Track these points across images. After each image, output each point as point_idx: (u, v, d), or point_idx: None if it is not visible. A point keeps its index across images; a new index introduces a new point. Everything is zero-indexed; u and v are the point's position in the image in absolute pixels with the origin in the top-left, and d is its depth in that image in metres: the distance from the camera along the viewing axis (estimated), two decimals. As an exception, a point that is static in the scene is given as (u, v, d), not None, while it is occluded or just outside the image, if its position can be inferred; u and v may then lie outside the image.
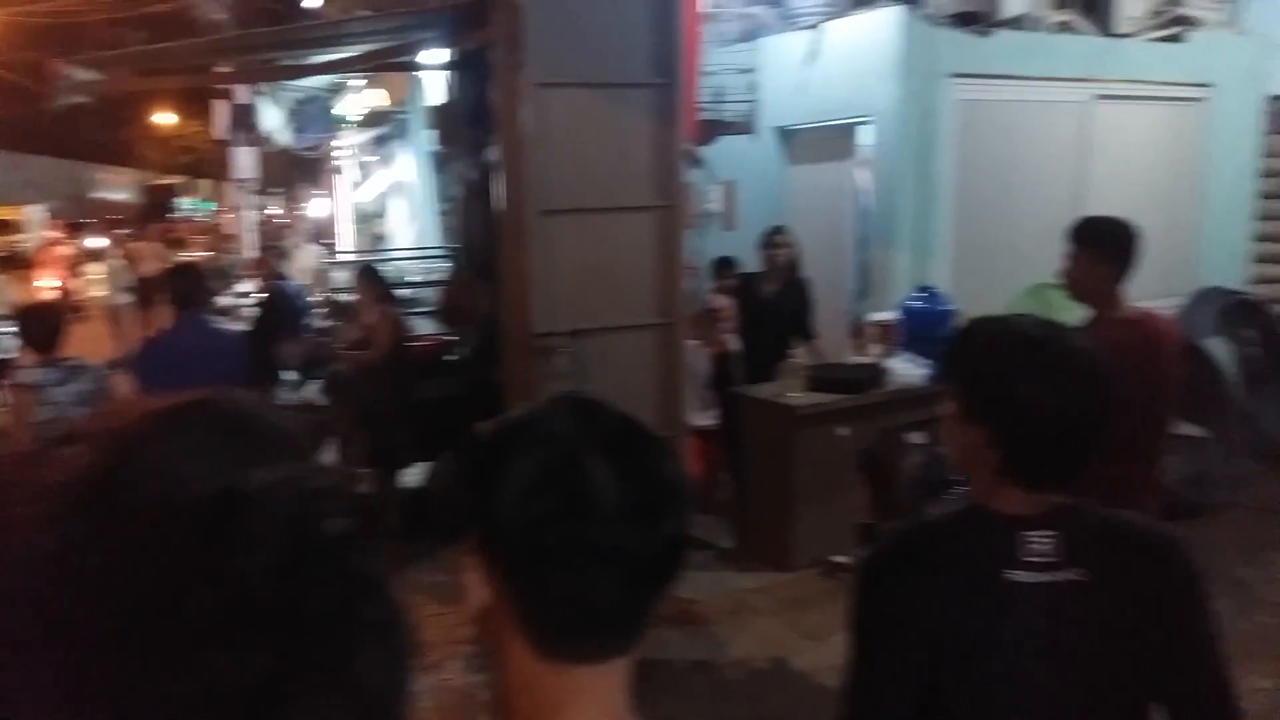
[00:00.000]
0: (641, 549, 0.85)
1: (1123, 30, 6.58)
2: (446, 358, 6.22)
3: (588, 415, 0.91)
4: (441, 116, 6.65)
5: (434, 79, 7.49)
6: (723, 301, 6.12)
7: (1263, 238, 7.99)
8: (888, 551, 1.49)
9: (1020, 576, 1.35)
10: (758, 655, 4.51)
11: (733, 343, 6.11)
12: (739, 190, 7.15)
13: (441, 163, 6.80)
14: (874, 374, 5.37)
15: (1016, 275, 6.31)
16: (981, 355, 1.43)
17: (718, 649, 4.61)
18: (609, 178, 4.69)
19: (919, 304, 5.62)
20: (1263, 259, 8.03)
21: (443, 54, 6.31)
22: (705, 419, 6.52)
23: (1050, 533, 1.36)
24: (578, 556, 0.83)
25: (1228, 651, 1.43)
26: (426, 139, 8.36)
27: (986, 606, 1.36)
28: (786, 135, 6.77)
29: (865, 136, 6.21)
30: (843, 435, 5.24)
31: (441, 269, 7.48)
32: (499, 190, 4.77)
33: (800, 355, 5.48)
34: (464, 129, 5.96)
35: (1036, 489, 1.39)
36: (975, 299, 5.99)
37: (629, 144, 4.72)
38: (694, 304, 7.18)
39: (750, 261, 6.17)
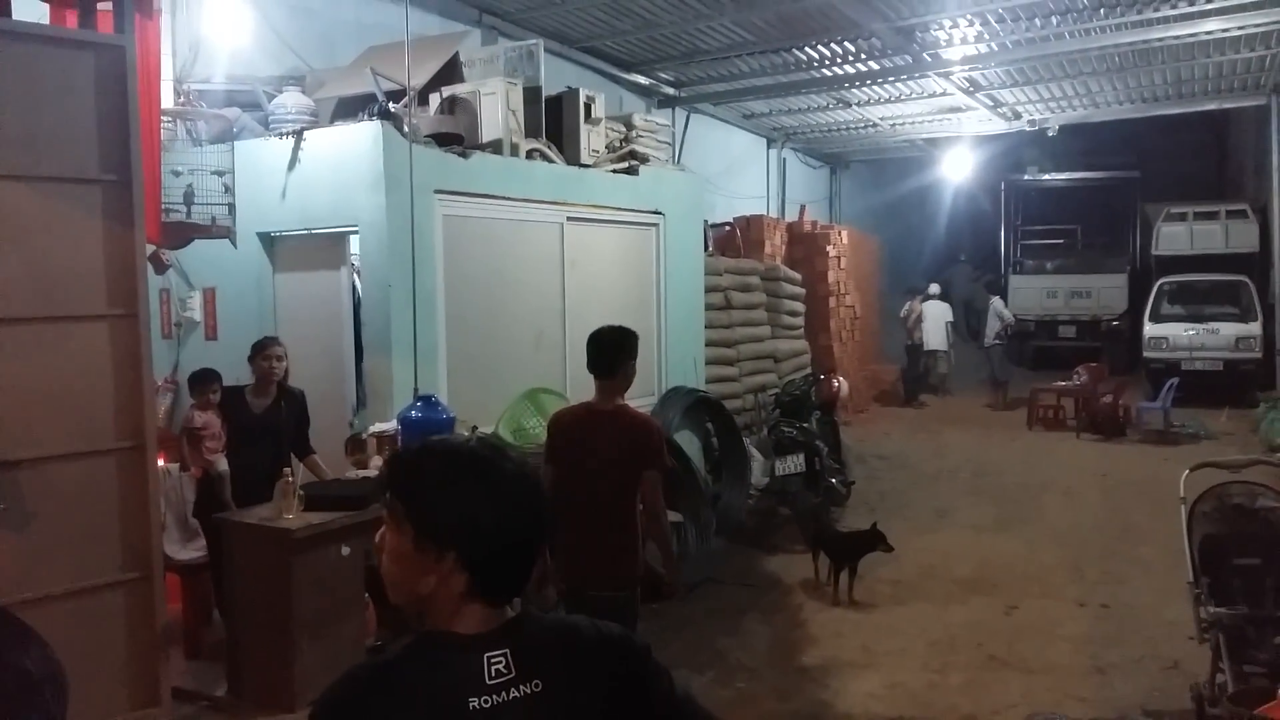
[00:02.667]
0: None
1: (585, 161, 7.33)
2: None
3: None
4: None
5: None
6: (205, 418, 5.58)
7: (710, 343, 9.27)
8: (336, 698, 1.36)
9: (484, 703, 1.32)
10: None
11: (220, 464, 5.58)
12: (223, 298, 6.68)
13: None
14: (376, 487, 5.19)
15: (510, 381, 6.60)
16: (437, 483, 1.40)
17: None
18: (53, 283, 4.07)
19: (418, 413, 5.58)
20: (711, 361, 9.30)
21: None
22: (189, 552, 5.85)
23: (504, 649, 1.36)
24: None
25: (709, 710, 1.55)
26: None
27: None
28: (272, 241, 6.48)
29: (356, 245, 6.15)
30: (345, 555, 4.98)
31: None
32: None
33: (295, 473, 5.14)
34: None
35: (494, 605, 1.40)
36: (473, 406, 6.14)
37: (78, 245, 4.15)
38: (172, 423, 6.50)
39: (238, 374, 5.73)
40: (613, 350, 3.98)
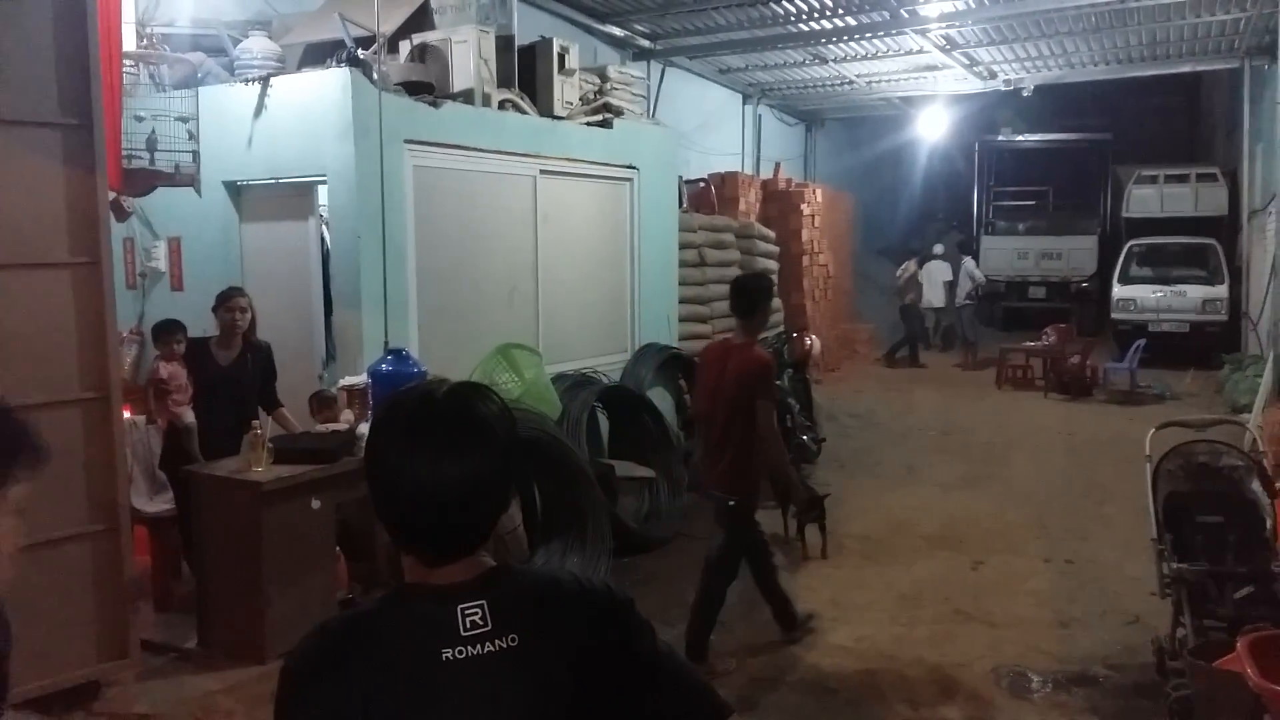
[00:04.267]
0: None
1: (559, 113, 7.23)
2: None
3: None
4: None
5: None
6: (170, 370, 5.50)
7: (683, 300, 9.24)
8: (308, 651, 1.34)
9: (459, 653, 1.30)
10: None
11: (187, 416, 5.51)
12: (188, 248, 6.55)
13: None
14: (346, 441, 5.15)
15: (482, 336, 6.55)
16: (373, 430, 1.40)
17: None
18: (11, 230, 3.97)
19: (389, 367, 5.52)
20: (685, 318, 9.28)
21: None
22: (157, 505, 5.79)
23: (479, 601, 1.33)
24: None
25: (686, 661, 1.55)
26: None
27: (421, 693, 1.29)
28: (238, 190, 6.35)
29: (325, 196, 6.04)
30: (316, 508, 4.95)
31: None
32: None
33: (264, 426, 5.08)
34: None
35: (441, 560, 1.36)
36: (444, 360, 6.08)
37: (38, 191, 4.04)
38: (138, 375, 6.41)
39: (205, 325, 5.63)
40: (755, 294, 4.74)
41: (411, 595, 1.37)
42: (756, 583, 5.07)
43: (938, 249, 16.30)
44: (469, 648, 1.30)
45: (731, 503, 4.71)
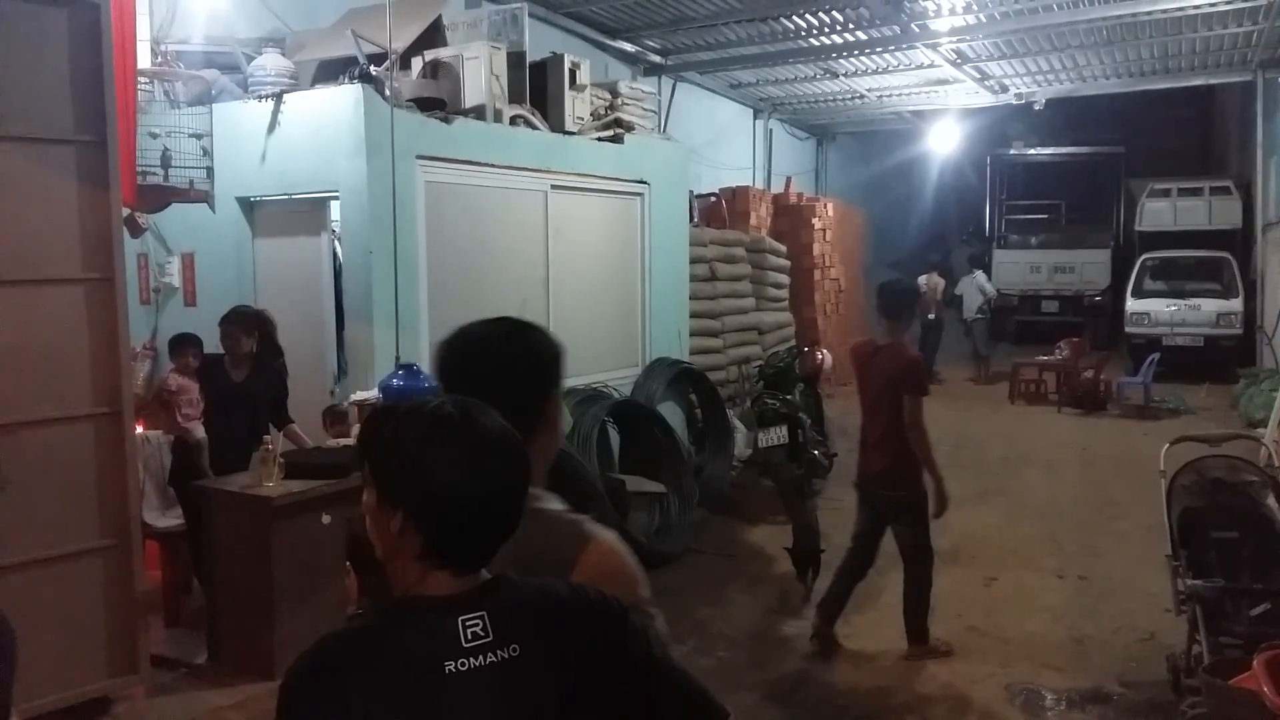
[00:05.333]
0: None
1: (570, 128, 7.25)
2: None
3: None
4: None
5: None
6: (180, 383, 5.52)
7: (694, 314, 9.24)
8: (308, 666, 1.32)
9: (461, 665, 1.30)
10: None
11: (197, 431, 5.53)
12: (202, 264, 6.60)
13: None
14: (355, 455, 5.15)
15: (492, 350, 6.55)
16: (394, 439, 1.37)
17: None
18: (25, 245, 4.00)
19: (400, 381, 5.53)
20: (696, 333, 9.27)
21: None
22: (168, 519, 5.81)
23: (480, 612, 1.33)
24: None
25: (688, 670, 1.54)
26: None
27: (424, 707, 1.29)
28: (251, 206, 6.39)
29: (337, 211, 6.07)
30: (326, 523, 4.95)
31: None
32: None
33: (276, 442, 5.10)
34: None
35: (462, 571, 1.37)
36: (455, 374, 6.09)
37: (52, 207, 4.08)
38: (150, 390, 6.44)
39: (218, 341, 5.66)
40: (901, 296, 5.25)
41: (412, 608, 1.36)
42: (841, 570, 5.26)
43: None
44: (471, 659, 1.30)
45: (900, 495, 5.00)
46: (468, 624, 1.31)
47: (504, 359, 1.72)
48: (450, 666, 1.29)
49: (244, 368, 5.50)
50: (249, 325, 5.49)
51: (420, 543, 1.34)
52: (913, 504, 5.00)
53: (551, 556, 1.57)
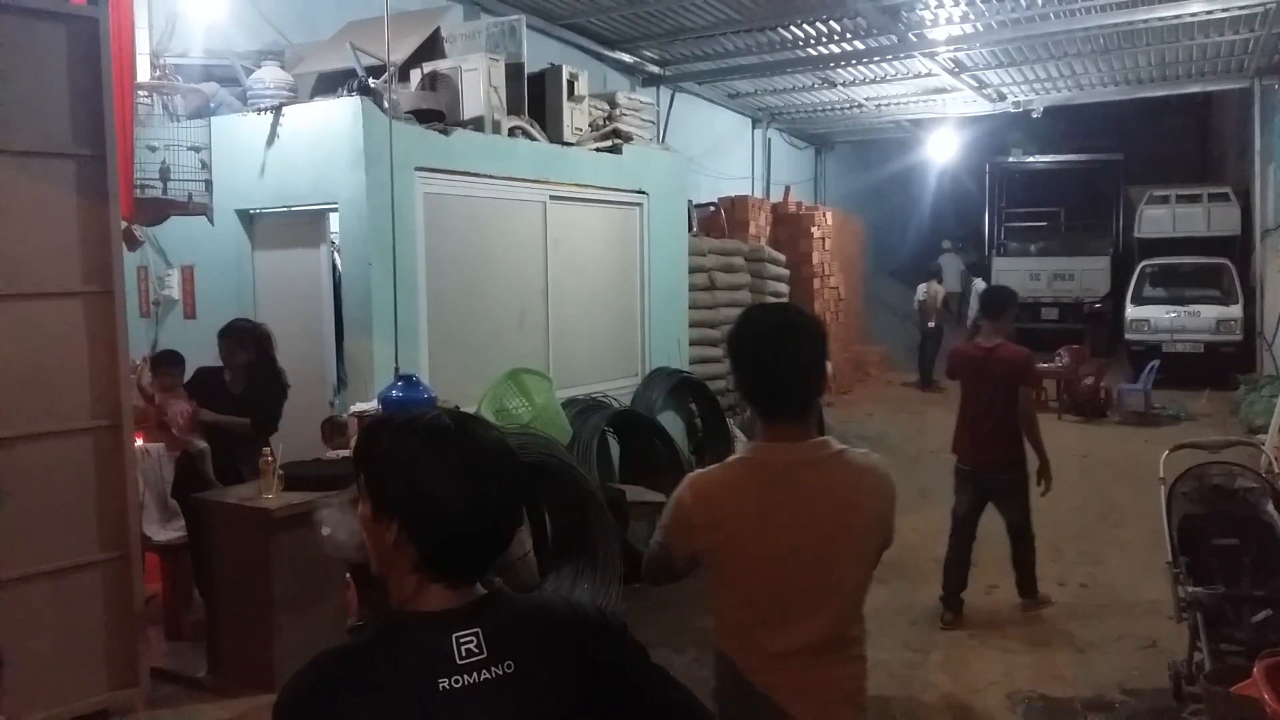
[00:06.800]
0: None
1: (568, 139, 7.27)
2: None
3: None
4: None
5: None
6: (163, 400, 5.52)
7: (694, 323, 9.24)
8: (302, 686, 1.32)
9: (455, 683, 1.29)
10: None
11: (199, 441, 5.52)
12: (201, 276, 6.61)
13: None
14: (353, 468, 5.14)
15: (492, 361, 6.56)
16: (390, 450, 1.37)
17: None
18: (24, 259, 4.01)
19: (399, 393, 5.53)
20: (695, 342, 9.27)
21: None
22: (168, 532, 5.80)
23: (474, 629, 1.33)
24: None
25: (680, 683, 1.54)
26: None
27: None
28: (250, 219, 6.41)
29: (336, 223, 6.09)
30: (326, 535, 4.94)
31: None
32: None
33: (275, 453, 5.09)
34: None
35: (457, 584, 1.37)
36: (455, 386, 6.10)
37: (51, 221, 4.09)
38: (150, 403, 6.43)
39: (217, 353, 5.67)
40: (1004, 300, 5.86)
41: (405, 624, 1.36)
42: (953, 561, 5.87)
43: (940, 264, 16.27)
44: (465, 676, 1.29)
45: (1011, 475, 5.67)
46: (462, 641, 1.31)
47: (820, 335, 2.11)
48: (444, 684, 1.28)
49: (241, 380, 5.52)
50: (243, 338, 5.51)
51: (415, 554, 1.34)
52: (1022, 483, 5.71)
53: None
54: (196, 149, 5.92)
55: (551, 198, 7.15)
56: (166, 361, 5.59)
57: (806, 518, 2.04)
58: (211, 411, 5.50)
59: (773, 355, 2.06)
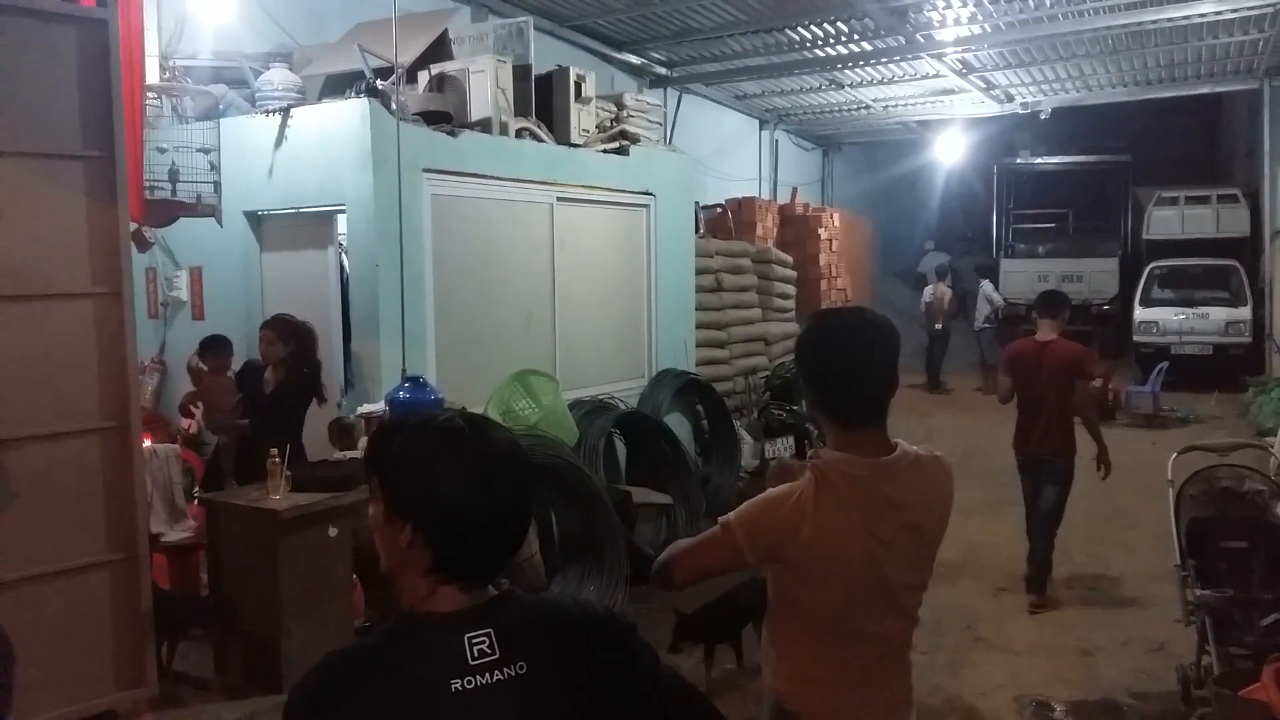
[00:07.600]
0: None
1: (576, 141, 7.28)
2: None
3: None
4: None
5: None
6: (207, 381, 5.62)
7: (701, 325, 9.24)
8: (312, 687, 1.32)
9: (467, 684, 1.29)
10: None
11: (205, 432, 5.59)
12: (210, 277, 6.63)
13: None
14: (364, 469, 5.15)
15: (499, 362, 6.57)
16: (404, 451, 1.37)
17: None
18: (34, 260, 4.02)
19: (406, 394, 5.55)
20: (702, 344, 9.26)
21: None
22: (176, 532, 5.82)
23: (486, 629, 1.33)
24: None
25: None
26: None
27: None
28: (259, 220, 6.43)
29: (344, 225, 6.10)
30: (333, 536, 4.96)
31: None
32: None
33: (283, 454, 5.10)
34: None
35: (470, 586, 1.37)
36: (462, 387, 6.11)
37: (60, 222, 4.10)
38: (159, 404, 6.46)
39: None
40: (1061, 302, 6.32)
41: (418, 625, 1.36)
42: (1038, 546, 6.13)
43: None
44: (478, 677, 1.29)
45: (1064, 460, 6.04)
46: (474, 641, 1.31)
47: (896, 335, 2.12)
48: (456, 685, 1.28)
49: (277, 374, 5.57)
50: (284, 331, 5.54)
51: (429, 556, 1.34)
52: (1068, 471, 6.08)
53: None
54: (205, 151, 5.95)
55: (559, 199, 7.15)
56: (216, 345, 5.74)
57: (898, 523, 2.05)
58: (248, 404, 5.62)
59: (857, 359, 2.05)
